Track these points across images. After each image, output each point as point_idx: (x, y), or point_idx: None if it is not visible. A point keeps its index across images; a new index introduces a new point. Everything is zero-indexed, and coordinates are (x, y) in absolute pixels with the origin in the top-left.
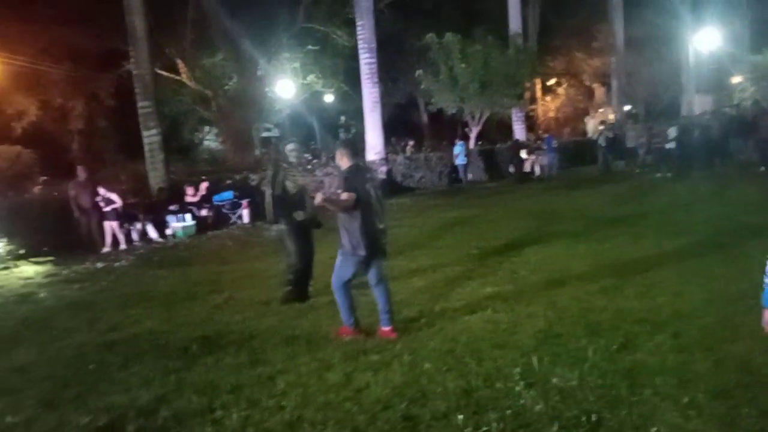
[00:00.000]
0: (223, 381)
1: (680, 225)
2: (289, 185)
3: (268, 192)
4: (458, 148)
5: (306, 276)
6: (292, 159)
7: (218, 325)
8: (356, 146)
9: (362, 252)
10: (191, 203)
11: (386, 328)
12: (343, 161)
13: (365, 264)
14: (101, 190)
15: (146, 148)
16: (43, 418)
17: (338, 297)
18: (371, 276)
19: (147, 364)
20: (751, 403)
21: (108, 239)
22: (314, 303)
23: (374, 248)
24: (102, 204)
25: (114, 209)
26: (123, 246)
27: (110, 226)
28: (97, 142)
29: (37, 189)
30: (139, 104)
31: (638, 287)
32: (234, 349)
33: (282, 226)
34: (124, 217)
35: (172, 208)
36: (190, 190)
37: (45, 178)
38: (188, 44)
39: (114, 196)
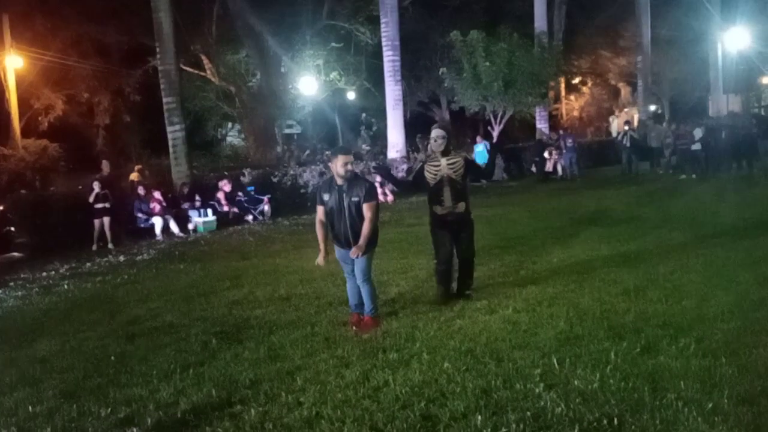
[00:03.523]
0: (241, 376)
1: (705, 228)
2: (428, 176)
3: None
4: (480, 147)
5: (447, 274)
6: (437, 147)
7: (238, 320)
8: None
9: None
10: (227, 197)
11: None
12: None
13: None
14: (95, 186)
15: (170, 143)
16: (64, 409)
17: (370, 288)
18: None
19: (167, 357)
20: None
21: (95, 236)
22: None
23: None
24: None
25: (105, 207)
26: (110, 245)
27: (99, 223)
28: (122, 137)
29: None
30: (164, 100)
31: (662, 290)
32: (253, 344)
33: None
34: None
35: (193, 203)
36: (225, 185)
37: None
38: (213, 40)
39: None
